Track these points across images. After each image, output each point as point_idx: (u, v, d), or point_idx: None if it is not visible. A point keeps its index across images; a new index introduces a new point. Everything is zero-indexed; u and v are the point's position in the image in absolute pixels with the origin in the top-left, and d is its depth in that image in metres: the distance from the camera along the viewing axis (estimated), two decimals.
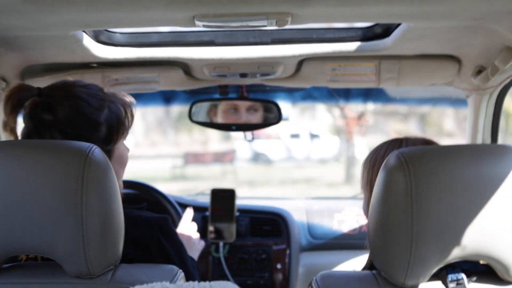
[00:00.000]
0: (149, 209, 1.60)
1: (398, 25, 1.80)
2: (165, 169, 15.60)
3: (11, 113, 1.47)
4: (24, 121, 1.48)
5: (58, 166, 1.18)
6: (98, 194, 1.19)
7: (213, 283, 0.92)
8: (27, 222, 1.18)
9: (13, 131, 1.48)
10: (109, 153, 1.51)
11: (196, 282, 0.93)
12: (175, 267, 1.32)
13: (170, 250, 1.52)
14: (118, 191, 1.26)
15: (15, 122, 1.47)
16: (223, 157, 17.68)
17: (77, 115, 1.47)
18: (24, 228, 1.18)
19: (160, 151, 18.09)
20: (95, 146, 1.22)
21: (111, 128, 1.52)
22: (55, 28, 1.60)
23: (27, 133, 1.47)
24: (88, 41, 1.86)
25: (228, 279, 2.68)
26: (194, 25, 1.48)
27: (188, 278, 1.54)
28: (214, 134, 17.62)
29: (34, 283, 1.23)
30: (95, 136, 1.48)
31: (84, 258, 1.18)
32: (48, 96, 1.48)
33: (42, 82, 2.06)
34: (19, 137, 1.48)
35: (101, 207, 1.20)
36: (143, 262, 1.43)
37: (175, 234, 1.59)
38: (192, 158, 17.69)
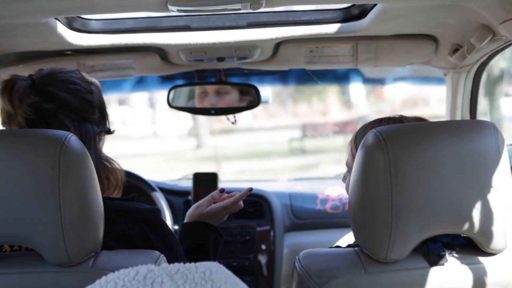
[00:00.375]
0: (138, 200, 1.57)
1: (374, 5, 1.79)
2: (283, 142, 14.59)
3: (20, 105, 1.41)
4: (22, 111, 1.42)
5: (34, 155, 1.17)
6: (74, 182, 1.18)
7: (198, 264, 0.92)
8: (4, 211, 1.17)
9: (20, 124, 1.43)
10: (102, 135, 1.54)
11: (181, 263, 0.93)
12: (157, 252, 1.32)
13: (156, 243, 1.48)
14: (95, 178, 1.25)
15: (22, 114, 1.42)
16: (345, 128, 15.25)
17: (77, 99, 1.46)
18: (2, 218, 1.17)
19: (279, 123, 17.18)
20: (71, 134, 1.21)
21: (101, 109, 1.53)
22: (26, 16, 1.57)
23: (32, 122, 1.42)
24: (61, 29, 1.83)
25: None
26: (168, 10, 1.46)
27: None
28: (335, 102, 16.49)
29: (14, 273, 1.22)
30: (94, 119, 1.49)
31: (63, 246, 1.17)
32: (43, 84, 1.45)
33: (15, 71, 2.03)
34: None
35: (79, 195, 1.19)
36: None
37: (164, 226, 1.55)
38: (311, 129, 16.25)
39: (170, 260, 1.33)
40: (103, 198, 1.36)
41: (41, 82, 1.45)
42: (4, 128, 1.45)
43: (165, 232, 1.54)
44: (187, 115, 10.83)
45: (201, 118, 11.86)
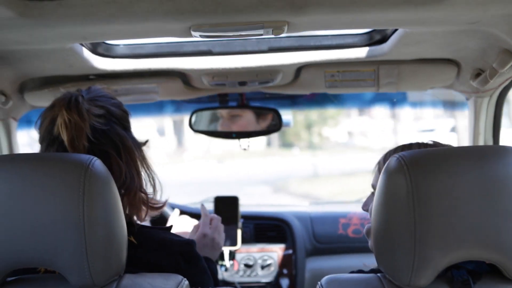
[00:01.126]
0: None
1: (395, 30, 1.79)
2: None
3: (89, 117, 1.45)
4: (89, 124, 1.45)
5: (59, 178, 1.18)
6: (99, 205, 1.19)
7: None
8: (29, 234, 1.18)
9: (86, 137, 1.45)
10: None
11: None
12: (180, 276, 1.32)
13: (189, 275, 1.45)
14: (119, 202, 1.27)
15: (89, 126, 1.45)
16: None
17: (119, 111, 1.54)
18: (27, 240, 1.18)
19: None
20: (95, 158, 1.23)
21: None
22: (52, 42, 1.61)
23: (94, 136, 1.45)
24: (85, 54, 1.86)
25: (235, 287, 2.68)
26: (191, 36, 1.48)
27: None
28: None
29: None
30: (130, 129, 1.58)
31: (87, 269, 1.18)
32: (92, 99, 1.50)
33: (41, 96, 2.07)
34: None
35: (103, 218, 1.20)
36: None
37: (198, 259, 1.55)
38: None
39: None
40: (142, 226, 1.41)
41: (90, 97, 1.50)
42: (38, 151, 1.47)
43: (200, 266, 1.55)
44: None
45: None
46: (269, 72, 2.07)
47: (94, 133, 1.44)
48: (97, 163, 1.21)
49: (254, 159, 19.02)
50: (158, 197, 1.57)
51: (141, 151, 1.56)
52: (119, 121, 1.51)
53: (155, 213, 1.56)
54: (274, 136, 23.24)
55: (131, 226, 1.44)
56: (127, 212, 1.47)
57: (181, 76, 2.14)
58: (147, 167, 1.56)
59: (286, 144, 23.20)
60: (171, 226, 1.61)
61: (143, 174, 1.55)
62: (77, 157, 1.22)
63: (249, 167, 17.94)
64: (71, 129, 1.41)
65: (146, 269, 1.42)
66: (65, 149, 1.41)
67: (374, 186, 1.62)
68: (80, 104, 1.44)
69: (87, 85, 2.06)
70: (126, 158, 1.49)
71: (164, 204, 1.59)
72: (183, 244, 1.52)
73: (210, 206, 2.84)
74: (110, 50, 1.99)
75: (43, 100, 2.11)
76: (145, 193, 1.52)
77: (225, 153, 20.36)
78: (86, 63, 1.89)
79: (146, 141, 1.61)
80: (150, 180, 1.56)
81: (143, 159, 1.56)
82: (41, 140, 1.48)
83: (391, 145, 1.69)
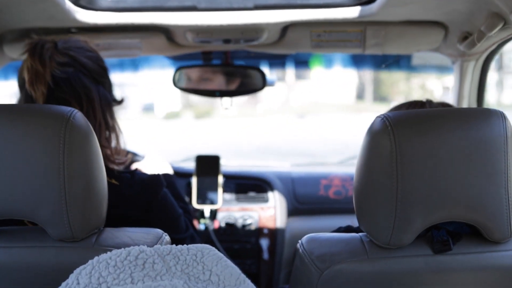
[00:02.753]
0: None
1: None
2: None
3: (50, 64, 1.52)
4: (50, 70, 1.53)
5: (40, 130, 1.17)
6: (79, 158, 1.18)
7: (190, 246, 0.92)
8: (9, 186, 1.17)
9: (46, 84, 1.52)
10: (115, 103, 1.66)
11: (174, 246, 0.93)
12: (160, 231, 1.33)
13: (165, 199, 1.63)
14: (100, 155, 1.26)
15: (50, 73, 1.52)
16: None
17: (94, 65, 1.61)
18: (7, 192, 1.18)
19: None
20: (76, 110, 1.21)
21: (109, 78, 1.68)
22: None
23: (58, 81, 1.53)
24: (67, 5, 1.82)
25: (214, 245, 2.70)
26: None
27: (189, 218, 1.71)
28: None
29: (18, 247, 1.23)
30: (107, 84, 1.65)
31: (67, 222, 1.18)
32: (66, 48, 1.58)
33: (20, 48, 2.02)
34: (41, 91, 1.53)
35: (83, 171, 1.19)
36: (144, 220, 1.53)
37: (164, 184, 1.66)
38: None
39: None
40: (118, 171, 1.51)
41: (63, 47, 1.58)
42: (13, 102, 1.47)
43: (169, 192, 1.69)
44: None
45: None
46: (254, 30, 2.04)
47: (54, 80, 1.52)
48: (78, 116, 1.20)
49: (341, 114, 18.38)
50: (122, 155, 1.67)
51: (109, 108, 1.62)
52: (90, 73, 1.58)
53: (120, 167, 1.63)
54: (368, 88, 22.60)
55: (111, 171, 1.55)
56: None
57: (165, 32, 2.10)
58: (113, 124, 1.64)
59: (381, 98, 21.88)
60: (136, 169, 1.72)
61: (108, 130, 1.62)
62: (58, 109, 1.21)
63: (335, 123, 17.40)
64: (32, 74, 1.50)
65: (128, 208, 1.52)
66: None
67: None
68: (44, 51, 1.52)
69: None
70: (87, 109, 1.56)
71: (126, 161, 1.68)
72: (154, 177, 1.63)
73: (192, 165, 2.84)
74: (93, 2, 1.94)
75: (22, 52, 2.07)
76: (107, 147, 1.60)
77: (306, 106, 19.77)
78: (68, 15, 1.85)
79: (121, 100, 1.69)
80: (115, 137, 1.65)
81: (110, 116, 1.63)
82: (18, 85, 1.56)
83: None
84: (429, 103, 1.56)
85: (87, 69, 1.57)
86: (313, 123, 18.35)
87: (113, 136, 1.64)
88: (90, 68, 1.58)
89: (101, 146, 1.53)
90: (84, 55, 1.58)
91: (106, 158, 1.57)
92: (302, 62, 3.07)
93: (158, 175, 1.64)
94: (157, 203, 1.59)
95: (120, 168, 1.62)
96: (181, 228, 1.69)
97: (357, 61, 3.02)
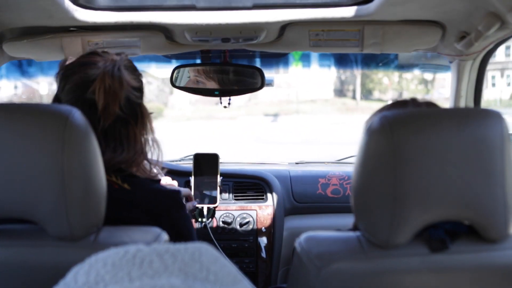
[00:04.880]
0: None
1: None
2: None
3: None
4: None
5: (39, 129, 1.17)
6: (78, 157, 1.19)
7: (188, 244, 0.92)
8: (8, 184, 1.17)
9: None
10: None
11: (171, 244, 0.93)
12: (158, 229, 1.33)
13: (177, 218, 1.57)
14: (99, 154, 1.26)
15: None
16: None
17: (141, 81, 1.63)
18: (6, 191, 1.18)
19: None
20: (75, 109, 1.21)
21: None
22: None
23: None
24: (66, 4, 1.82)
25: (213, 243, 2.70)
26: None
27: None
28: None
29: (17, 245, 1.23)
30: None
31: (66, 220, 1.18)
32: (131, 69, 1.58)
33: (19, 46, 2.03)
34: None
35: (82, 170, 1.19)
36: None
37: (184, 206, 1.62)
38: None
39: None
40: (134, 176, 1.50)
41: (127, 66, 1.58)
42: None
43: (185, 210, 1.63)
44: None
45: None
46: (253, 29, 2.04)
47: (126, 103, 1.52)
48: (77, 115, 1.20)
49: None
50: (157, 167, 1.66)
51: (151, 120, 1.62)
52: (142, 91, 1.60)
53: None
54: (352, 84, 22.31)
55: (127, 176, 1.53)
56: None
57: (164, 30, 2.11)
58: (153, 136, 1.63)
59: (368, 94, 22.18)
60: (159, 179, 1.68)
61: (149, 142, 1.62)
62: (57, 108, 1.21)
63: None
64: (108, 95, 1.48)
65: (139, 212, 1.49)
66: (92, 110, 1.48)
67: None
68: (122, 73, 1.51)
69: (67, 37, 2.04)
70: (140, 126, 1.58)
71: (159, 180, 1.67)
72: (172, 191, 1.59)
73: (189, 164, 2.84)
74: (92, 1, 1.95)
75: (22, 51, 2.08)
76: (149, 162, 1.60)
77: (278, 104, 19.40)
78: (67, 14, 1.85)
79: (152, 112, 1.67)
80: (155, 148, 1.63)
81: (151, 128, 1.62)
82: (65, 92, 1.52)
83: None
84: (412, 101, 1.56)
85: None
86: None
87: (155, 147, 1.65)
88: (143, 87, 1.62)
89: (146, 160, 1.59)
90: (139, 74, 1.62)
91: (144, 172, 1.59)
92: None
93: (179, 192, 1.62)
94: (167, 219, 1.55)
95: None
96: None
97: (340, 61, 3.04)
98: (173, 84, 2.42)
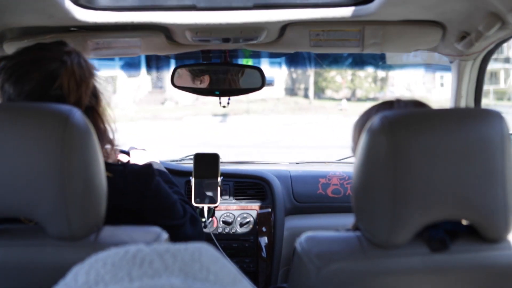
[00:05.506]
0: None
1: None
2: None
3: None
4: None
5: (39, 129, 1.17)
6: (78, 156, 1.19)
7: (188, 244, 0.92)
8: (8, 183, 1.17)
9: None
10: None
11: (171, 244, 0.93)
12: (158, 229, 1.33)
13: (159, 189, 1.62)
14: (99, 154, 1.26)
15: None
16: None
17: None
18: (5, 189, 1.18)
19: None
20: (76, 109, 1.21)
21: None
22: None
23: None
24: (67, 4, 1.82)
25: (213, 243, 2.70)
26: None
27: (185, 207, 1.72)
28: None
29: (17, 245, 1.23)
30: None
31: (66, 220, 1.18)
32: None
33: (20, 46, 2.03)
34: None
35: (82, 169, 1.20)
36: (138, 210, 1.53)
37: (157, 173, 1.67)
38: None
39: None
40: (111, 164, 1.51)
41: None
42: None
43: (162, 181, 1.69)
44: None
45: None
46: (253, 29, 2.04)
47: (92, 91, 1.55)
48: (78, 115, 1.20)
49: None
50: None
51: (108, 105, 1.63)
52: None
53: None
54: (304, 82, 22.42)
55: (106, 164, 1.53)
56: None
57: (164, 30, 2.11)
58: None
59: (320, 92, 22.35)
60: (128, 161, 1.76)
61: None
62: (57, 108, 1.21)
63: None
64: (80, 86, 1.49)
65: (124, 196, 1.53)
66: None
67: (352, 150, 1.63)
68: (87, 62, 1.54)
69: (68, 37, 2.04)
70: (101, 112, 1.58)
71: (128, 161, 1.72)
72: (146, 167, 1.62)
73: (190, 163, 2.85)
74: (92, 1, 1.95)
75: None
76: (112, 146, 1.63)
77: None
78: (67, 14, 1.85)
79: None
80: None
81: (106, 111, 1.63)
82: (24, 94, 1.49)
83: None
84: (397, 102, 1.57)
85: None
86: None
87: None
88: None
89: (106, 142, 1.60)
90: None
91: (106, 154, 1.59)
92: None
93: (150, 164, 1.64)
94: (150, 193, 1.59)
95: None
96: (179, 213, 1.68)
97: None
98: (173, 84, 2.42)
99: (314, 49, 2.18)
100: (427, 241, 1.27)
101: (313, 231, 1.38)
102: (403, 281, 1.24)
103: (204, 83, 2.49)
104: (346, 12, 1.93)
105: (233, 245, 2.77)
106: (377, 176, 1.21)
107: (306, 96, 27.88)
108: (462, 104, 2.24)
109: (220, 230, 2.78)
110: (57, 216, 1.18)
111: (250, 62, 2.83)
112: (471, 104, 2.24)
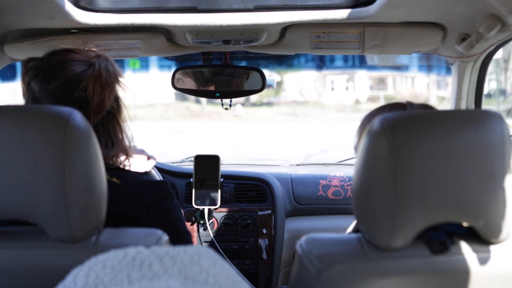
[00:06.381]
0: None
1: None
2: None
3: None
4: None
5: (39, 131, 1.17)
6: (79, 159, 1.18)
7: (188, 247, 0.92)
8: (8, 186, 1.17)
9: None
10: None
11: (171, 247, 0.93)
12: (159, 231, 1.33)
13: (167, 207, 1.57)
14: (99, 156, 1.26)
15: None
16: None
17: None
18: (6, 192, 1.18)
19: None
20: (76, 111, 1.21)
21: None
22: None
23: None
24: (67, 6, 1.82)
25: (214, 245, 2.70)
26: None
27: (184, 238, 1.62)
28: None
29: (17, 247, 1.23)
30: None
31: (67, 222, 1.18)
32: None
33: (21, 48, 2.04)
34: None
35: (83, 172, 1.19)
36: (141, 220, 1.49)
37: (173, 195, 1.62)
38: None
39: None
40: (123, 170, 1.51)
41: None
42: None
43: (174, 199, 1.63)
44: None
45: None
46: (254, 31, 2.05)
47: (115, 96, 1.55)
48: (78, 117, 1.20)
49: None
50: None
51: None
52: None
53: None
54: None
55: (115, 170, 1.53)
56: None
57: (165, 32, 2.11)
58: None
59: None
60: (147, 171, 1.73)
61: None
62: (58, 110, 1.21)
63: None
64: (105, 90, 1.49)
65: (128, 206, 1.49)
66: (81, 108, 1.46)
67: (356, 150, 1.62)
68: (114, 67, 1.54)
69: (68, 39, 2.04)
70: (120, 118, 1.58)
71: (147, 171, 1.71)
72: (160, 182, 1.59)
73: (190, 165, 2.85)
74: (93, 3, 1.95)
75: (23, 53, 2.08)
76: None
77: None
78: (68, 16, 1.86)
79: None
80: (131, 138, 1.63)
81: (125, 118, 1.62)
82: (49, 93, 1.50)
83: None
84: (409, 104, 1.57)
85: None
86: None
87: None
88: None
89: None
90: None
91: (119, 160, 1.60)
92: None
93: (166, 182, 1.62)
94: (158, 210, 1.55)
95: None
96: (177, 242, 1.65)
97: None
98: (174, 85, 2.43)
99: (315, 51, 2.18)
100: (427, 243, 1.27)
101: (314, 233, 1.38)
102: (404, 283, 1.24)
103: (205, 85, 2.49)
104: (346, 14, 1.93)
105: (234, 247, 2.77)
106: (377, 178, 1.21)
107: (198, 101, 27.03)
108: (463, 106, 2.23)
109: (220, 232, 2.77)
110: (58, 218, 1.18)
111: (137, 65, 2.81)
112: (472, 106, 2.24)
